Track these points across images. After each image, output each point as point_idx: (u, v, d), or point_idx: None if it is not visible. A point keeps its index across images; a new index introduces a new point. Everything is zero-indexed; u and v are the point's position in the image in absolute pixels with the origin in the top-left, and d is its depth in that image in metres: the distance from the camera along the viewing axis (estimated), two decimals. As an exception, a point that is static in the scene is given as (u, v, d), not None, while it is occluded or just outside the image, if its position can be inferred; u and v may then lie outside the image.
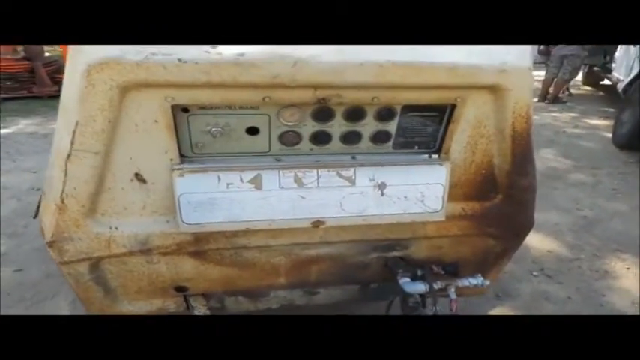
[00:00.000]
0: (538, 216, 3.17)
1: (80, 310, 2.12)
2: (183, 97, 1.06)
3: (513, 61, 1.11)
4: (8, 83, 6.01)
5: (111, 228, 1.21)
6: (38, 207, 1.32)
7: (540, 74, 7.62)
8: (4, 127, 4.93)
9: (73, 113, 1.02)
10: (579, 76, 8.44)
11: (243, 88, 1.05)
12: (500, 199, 1.40)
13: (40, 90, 6.20)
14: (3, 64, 5.89)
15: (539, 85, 7.40)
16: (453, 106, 1.19)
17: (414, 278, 1.43)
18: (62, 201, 1.12)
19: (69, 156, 1.06)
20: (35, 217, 1.36)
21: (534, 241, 2.91)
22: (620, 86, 5.53)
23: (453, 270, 1.49)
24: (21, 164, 3.83)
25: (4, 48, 5.94)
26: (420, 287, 1.40)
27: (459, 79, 1.10)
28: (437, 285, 1.42)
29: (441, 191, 1.29)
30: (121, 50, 0.96)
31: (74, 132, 1.03)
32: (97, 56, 0.96)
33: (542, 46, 7.74)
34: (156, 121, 1.07)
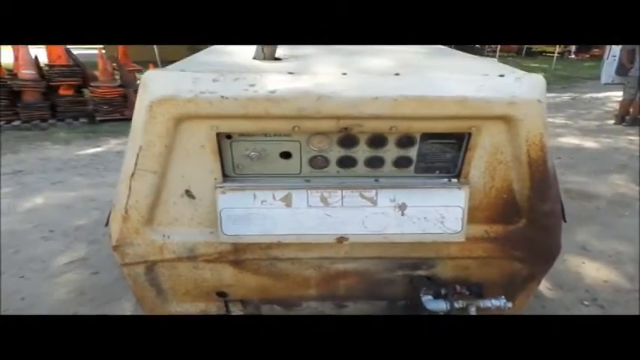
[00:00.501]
0: (598, 244, 3.05)
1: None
2: (226, 127, 1.25)
3: (523, 94, 1.18)
4: (105, 107, 6.79)
5: (164, 236, 1.42)
6: (109, 217, 1.58)
7: (618, 95, 7.19)
8: (97, 146, 5.61)
9: (138, 139, 1.25)
10: None
11: (275, 119, 1.22)
12: (525, 224, 1.43)
13: (130, 113, 6.87)
14: (102, 90, 6.69)
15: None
16: (469, 135, 1.27)
17: (437, 297, 1.50)
18: (126, 211, 1.35)
19: (133, 174, 1.29)
20: (106, 225, 1.62)
21: (590, 269, 2.79)
22: None
23: (477, 291, 1.53)
24: (107, 179, 4.33)
25: (103, 75, 6.76)
26: (442, 306, 1.46)
27: (470, 111, 1.19)
28: (458, 304, 1.47)
29: (460, 213, 1.36)
30: (176, 89, 1.17)
31: (138, 154, 1.26)
32: (157, 94, 1.18)
33: (620, 67, 7.35)
34: (203, 146, 1.27)
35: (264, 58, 1.54)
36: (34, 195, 3.93)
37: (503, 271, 1.56)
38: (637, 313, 2.33)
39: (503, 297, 1.50)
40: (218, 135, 1.26)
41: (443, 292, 1.51)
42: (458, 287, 1.52)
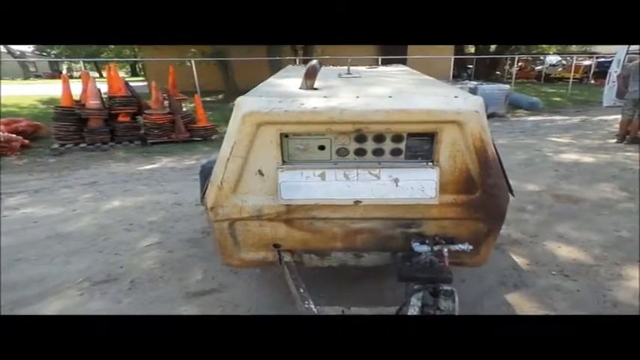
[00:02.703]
0: (575, 234, 3.67)
1: (210, 274, 3.09)
2: (286, 129, 2.04)
3: (466, 107, 1.94)
4: (155, 131, 7.84)
5: (242, 201, 2.20)
6: (203, 194, 2.37)
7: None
8: (153, 163, 6.60)
9: (233, 137, 2.05)
10: None
11: (315, 124, 2.01)
12: (480, 194, 2.15)
13: (177, 136, 7.97)
14: (154, 117, 7.76)
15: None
16: (436, 133, 2.03)
17: (422, 243, 2.22)
18: (221, 183, 2.15)
19: (228, 159, 2.09)
20: (202, 199, 2.41)
21: (563, 252, 3.42)
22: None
23: (450, 241, 2.23)
24: (166, 187, 5.25)
25: (155, 104, 7.82)
26: (425, 248, 2.18)
27: (435, 118, 1.95)
28: (436, 247, 2.18)
29: (434, 185, 2.10)
30: (258, 107, 1.98)
31: (232, 146, 2.06)
32: (247, 110, 1.98)
33: (619, 91, 7.95)
34: (271, 142, 2.06)
35: (307, 88, 2.35)
36: (110, 199, 4.85)
37: (469, 228, 2.27)
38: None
39: (467, 243, 2.21)
40: (281, 135, 2.05)
41: (427, 241, 2.23)
42: (437, 238, 2.24)
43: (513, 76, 16.40)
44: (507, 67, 20.24)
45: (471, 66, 22.05)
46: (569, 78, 17.81)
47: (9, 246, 3.61)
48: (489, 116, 10.63)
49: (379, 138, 2.08)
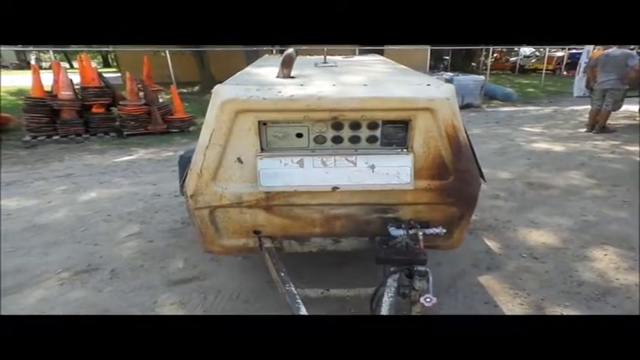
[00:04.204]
0: (545, 219, 3.81)
1: (191, 262, 3.08)
2: (264, 117, 2.07)
3: (438, 95, 2.01)
4: (131, 123, 7.69)
5: (222, 188, 2.23)
6: (183, 182, 2.38)
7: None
8: (130, 155, 6.51)
9: (211, 125, 2.07)
10: (636, 107, 8.75)
11: (292, 112, 2.05)
12: (453, 179, 2.23)
13: (154, 128, 7.85)
14: (129, 108, 7.62)
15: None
16: (410, 120, 2.10)
17: (398, 227, 2.30)
18: (201, 171, 2.17)
19: (207, 147, 2.11)
20: (181, 188, 2.43)
21: (534, 235, 3.57)
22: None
23: (425, 225, 2.32)
24: (144, 179, 5.20)
25: (130, 95, 7.68)
26: (400, 232, 2.26)
27: (409, 105, 2.02)
28: (412, 231, 2.26)
29: (409, 171, 2.17)
30: (236, 95, 2.00)
31: (211, 135, 2.08)
32: (225, 97, 2.01)
33: (588, 81, 8.22)
34: (249, 129, 2.09)
35: (284, 77, 2.38)
36: (87, 191, 4.79)
37: (443, 212, 2.36)
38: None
39: (440, 227, 2.29)
40: (259, 122, 2.08)
41: (403, 225, 2.30)
42: (412, 222, 2.32)
43: (488, 68, 16.69)
44: (483, 58, 20.56)
45: (447, 57, 22.32)
46: (542, 69, 18.24)
47: (-18, 239, 3.54)
48: (465, 107, 10.83)
49: (355, 125, 2.13)
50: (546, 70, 18.48)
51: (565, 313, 2.52)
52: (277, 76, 2.40)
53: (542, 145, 6.84)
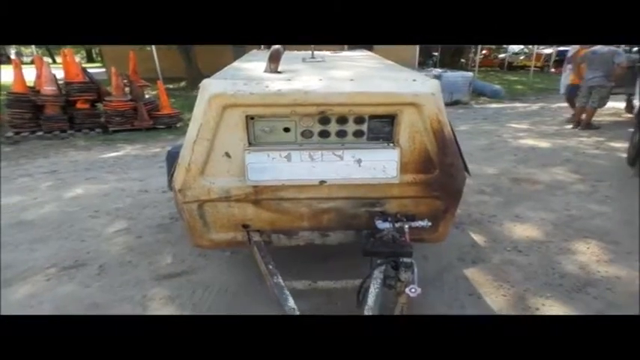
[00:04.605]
0: (530, 214, 3.88)
1: (180, 257, 3.08)
2: (252, 112, 2.08)
3: (423, 90, 2.04)
4: (117, 119, 7.61)
5: (210, 183, 2.23)
6: (171, 177, 2.38)
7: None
8: (116, 151, 6.44)
9: (199, 120, 2.07)
10: (622, 105, 8.94)
11: (280, 107, 2.06)
12: (438, 173, 2.26)
13: (140, 124, 7.78)
14: (115, 104, 7.53)
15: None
16: (396, 115, 2.12)
17: (384, 220, 2.33)
18: (189, 165, 2.17)
19: (195, 141, 2.11)
20: (169, 183, 2.42)
21: (519, 229, 3.64)
22: (635, 111, 6.03)
23: (411, 218, 2.35)
24: (131, 175, 5.16)
25: (115, 91, 7.60)
26: (387, 225, 2.29)
27: (394, 100, 2.04)
28: (398, 224, 2.30)
29: (395, 165, 2.20)
30: (224, 89, 2.01)
31: (199, 129, 2.09)
32: (213, 92, 2.01)
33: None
34: (237, 124, 2.10)
35: (271, 72, 2.39)
36: (73, 187, 4.75)
37: (429, 206, 2.39)
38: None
39: (426, 220, 2.33)
40: (246, 117, 2.09)
41: (389, 218, 2.34)
42: (398, 215, 2.35)
43: (477, 64, 16.84)
44: (472, 55, 20.72)
45: (436, 53, 22.44)
46: (530, 66, 18.44)
47: (-34, 236, 3.50)
48: (454, 103, 10.92)
49: (342, 120, 2.15)
50: (534, 67, 18.70)
51: (547, 304, 2.58)
52: (265, 71, 2.41)
53: (529, 142, 6.94)
